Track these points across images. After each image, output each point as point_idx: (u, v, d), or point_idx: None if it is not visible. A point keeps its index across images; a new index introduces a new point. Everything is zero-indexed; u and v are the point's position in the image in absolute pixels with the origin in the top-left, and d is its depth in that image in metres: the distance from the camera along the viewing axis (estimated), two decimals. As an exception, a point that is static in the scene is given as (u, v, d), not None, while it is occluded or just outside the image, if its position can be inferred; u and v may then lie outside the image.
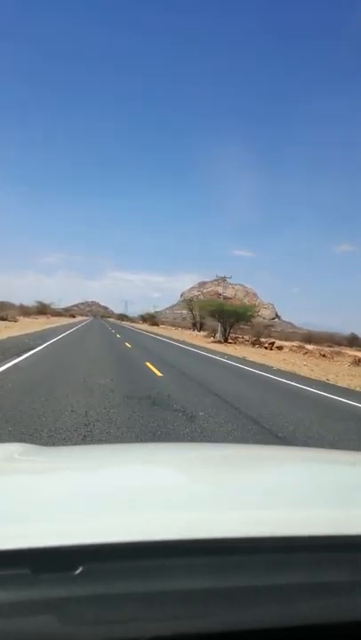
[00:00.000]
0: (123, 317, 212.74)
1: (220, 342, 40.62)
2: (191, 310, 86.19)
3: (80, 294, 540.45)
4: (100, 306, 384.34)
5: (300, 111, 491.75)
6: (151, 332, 54.39)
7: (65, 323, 60.86)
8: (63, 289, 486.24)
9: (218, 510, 0.92)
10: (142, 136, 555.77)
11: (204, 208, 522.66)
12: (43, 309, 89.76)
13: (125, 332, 49.54)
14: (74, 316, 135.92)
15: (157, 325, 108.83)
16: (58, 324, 50.25)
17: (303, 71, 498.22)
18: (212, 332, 51.47)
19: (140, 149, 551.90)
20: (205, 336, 54.18)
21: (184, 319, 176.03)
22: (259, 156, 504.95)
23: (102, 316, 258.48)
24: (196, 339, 46.23)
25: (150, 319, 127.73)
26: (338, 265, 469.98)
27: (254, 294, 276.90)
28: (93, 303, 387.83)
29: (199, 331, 77.89)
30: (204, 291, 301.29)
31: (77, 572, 0.65)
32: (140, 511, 0.88)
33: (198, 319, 79.17)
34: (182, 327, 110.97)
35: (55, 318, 78.98)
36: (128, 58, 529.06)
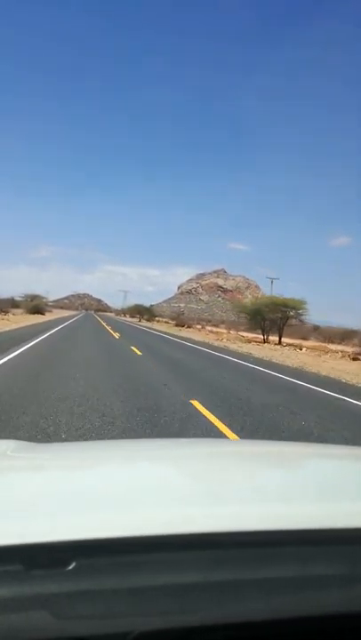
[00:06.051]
0: (140, 312, 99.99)
1: None
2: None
3: (71, 287, 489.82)
4: (92, 298, 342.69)
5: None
6: None
7: None
8: (54, 281, 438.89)
9: (209, 505, 0.90)
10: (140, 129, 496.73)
11: (200, 202, 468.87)
12: None
13: None
14: (42, 313, 60.82)
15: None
16: None
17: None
18: None
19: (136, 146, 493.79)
20: None
21: (182, 313, 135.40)
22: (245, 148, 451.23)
23: (97, 310, 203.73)
24: None
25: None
26: (337, 259, 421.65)
27: (256, 286, 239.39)
28: (85, 295, 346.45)
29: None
30: (203, 283, 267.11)
31: (70, 567, 0.64)
32: (131, 507, 0.87)
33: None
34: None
35: None
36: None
